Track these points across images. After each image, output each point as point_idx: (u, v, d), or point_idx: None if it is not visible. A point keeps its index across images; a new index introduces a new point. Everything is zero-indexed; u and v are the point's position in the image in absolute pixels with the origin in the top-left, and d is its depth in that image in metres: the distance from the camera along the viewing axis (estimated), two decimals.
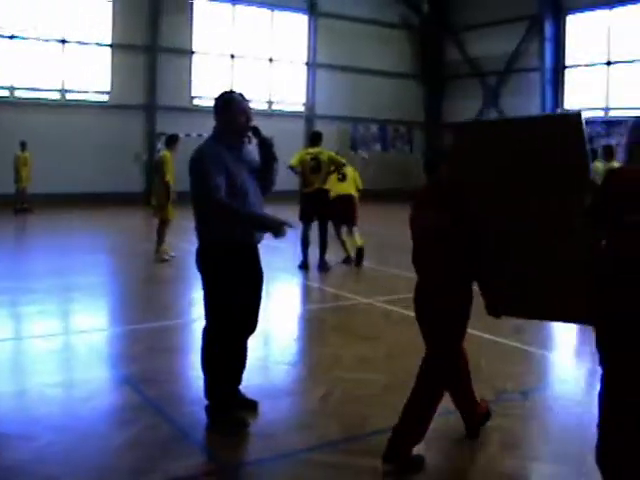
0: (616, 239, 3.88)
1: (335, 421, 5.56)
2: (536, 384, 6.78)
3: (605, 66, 28.50)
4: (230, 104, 5.41)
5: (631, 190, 3.80)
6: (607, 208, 3.89)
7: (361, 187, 13.88)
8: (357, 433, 5.36)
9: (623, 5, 27.64)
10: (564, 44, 30.01)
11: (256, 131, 5.60)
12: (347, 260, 13.57)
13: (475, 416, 5.31)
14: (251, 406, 5.76)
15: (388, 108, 32.74)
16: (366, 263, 13.46)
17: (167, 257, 13.33)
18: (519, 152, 4.49)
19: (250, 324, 5.61)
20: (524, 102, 30.24)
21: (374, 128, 33.56)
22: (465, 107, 32.40)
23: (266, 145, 5.64)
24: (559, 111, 29.51)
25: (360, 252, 13.45)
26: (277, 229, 5.23)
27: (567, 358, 8.06)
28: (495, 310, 5.09)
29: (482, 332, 8.32)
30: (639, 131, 4.25)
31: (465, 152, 4.86)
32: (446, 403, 5.14)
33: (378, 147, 33.70)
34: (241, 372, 5.74)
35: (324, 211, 12.79)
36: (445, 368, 4.98)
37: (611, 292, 3.85)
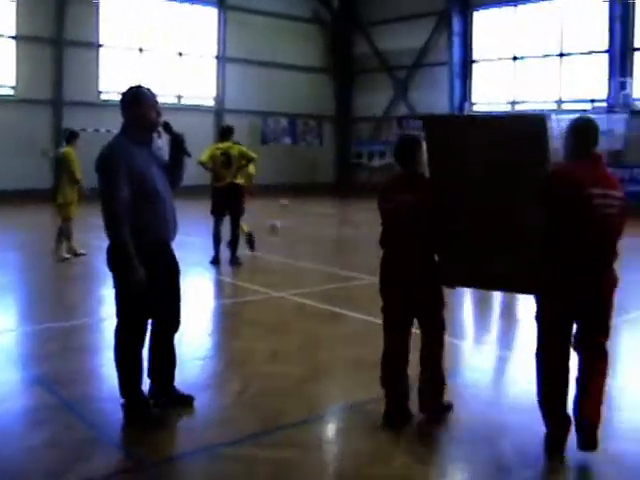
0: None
1: (252, 415, 5.57)
2: (450, 371, 6.90)
3: (511, 61, 29.17)
4: (139, 99, 5.31)
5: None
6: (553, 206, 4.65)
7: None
8: (274, 426, 5.38)
9: (527, 3, 28.33)
10: (471, 39, 30.65)
11: (167, 126, 5.54)
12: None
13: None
14: (188, 401, 5.74)
15: (299, 102, 32.84)
16: (277, 257, 13.52)
17: (67, 256, 13.04)
18: (487, 147, 5.15)
19: (172, 321, 5.58)
20: (433, 95, 30.76)
21: (284, 122, 33.57)
22: (375, 101, 32.80)
23: (178, 141, 5.59)
24: (467, 104, 30.16)
25: (250, 237, 13.85)
26: (132, 283, 5.10)
27: (475, 346, 8.23)
28: (451, 281, 5.74)
29: None
30: (574, 127, 5.21)
31: (437, 143, 5.41)
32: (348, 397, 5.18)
33: (288, 141, 33.72)
34: (171, 369, 5.71)
35: (236, 205, 12.75)
36: (442, 328, 5.67)
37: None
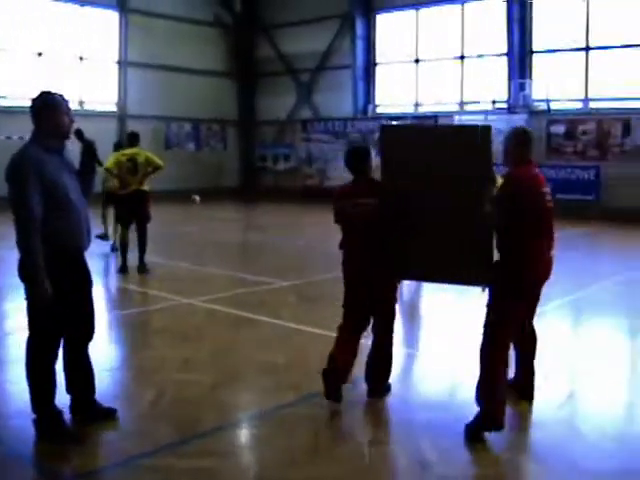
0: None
1: (167, 424, 5.47)
2: (363, 373, 6.93)
3: (414, 63, 29.58)
4: (50, 105, 5.16)
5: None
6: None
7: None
8: (190, 434, 5.30)
9: (429, 6, 28.79)
10: (374, 42, 30.90)
11: (79, 134, 5.41)
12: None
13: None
14: (110, 414, 5.59)
15: (202, 106, 32.48)
16: (185, 263, 13.39)
17: None
18: (437, 153, 5.83)
19: (86, 331, 5.43)
20: (337, 98, 30.93)
21: (188, 127, 33.18)
22: (279, 104, 32.72)
23: (89, 149, 5.46)
24: (371, 107, 30.46)
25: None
26: (37, 296, 4.96)
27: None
28: (402, 275, 6.42)
29: (309, 326, 8.50)
30: (520, 137, 5.84)
31: (392, 150, 6.09)
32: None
33: (192, 146, 33.33)
34: (89, 382, 5.54)
35: (142, 212, 12.54)
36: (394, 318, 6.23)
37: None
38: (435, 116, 28.35)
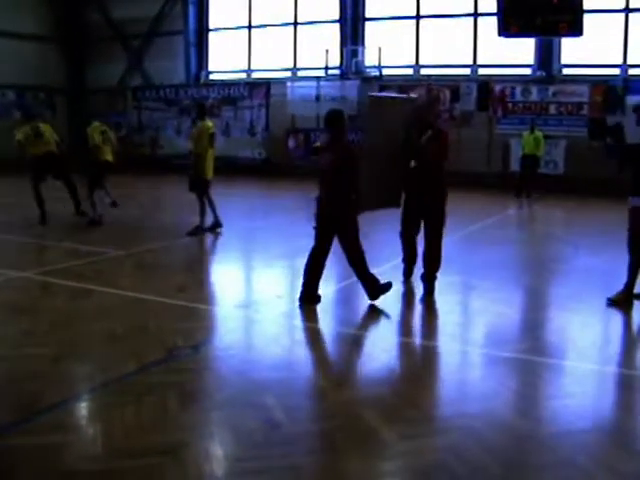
0: None
1: (9, 401, 5.29)
2: (205, 337, 6.97)
3: (247, 30, 29.42)
4: None
5: None
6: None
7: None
8: (35, 410, 5.12)
9: None
10: (207, 8, 30.45)
11: None
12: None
13: (375, 285, 8.26)
14: None
15: (27, 73, 30.91)
16: (18, 237, 12.87)
17: None
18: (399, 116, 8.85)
19: None
20: (169, 65, 30.35)
21: (12, 95, 31.62)
22: (109, 71, 31.67)
23: None
24: (204, 74, 30.13)
25: None
26: None
27: (229, 310, 8.30)
28: (361, 209, 8.26)
29: (148, 294, 8.43)
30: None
31: (375, 114, 8.86)
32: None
33: (18, 115, 31.85)
34: None
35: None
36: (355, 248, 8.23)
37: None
38: (268, 82, 28.40)
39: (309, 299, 8.16)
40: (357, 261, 8.22)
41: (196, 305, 8.13)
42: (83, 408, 5.41)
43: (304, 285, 8.21)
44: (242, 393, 5.47)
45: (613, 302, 8.42)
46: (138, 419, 4.98)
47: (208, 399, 5.45)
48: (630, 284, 8.50)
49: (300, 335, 7.39)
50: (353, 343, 7.16)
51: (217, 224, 13.26)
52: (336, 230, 8.16)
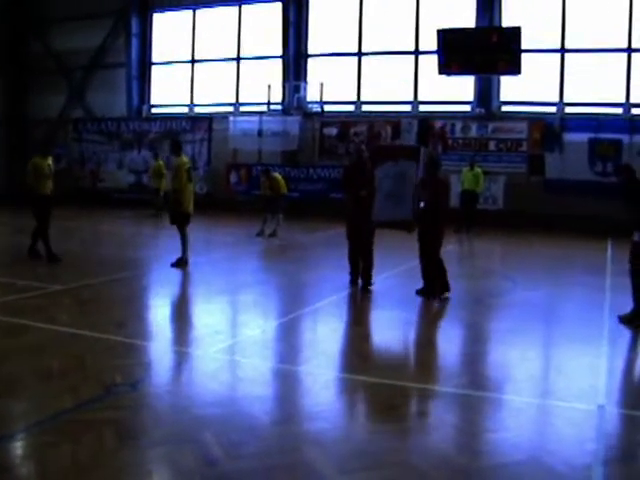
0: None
1: None
2: (143, 374, 6.88)
3: (190, 64, 29.49)
4: None
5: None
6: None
7: None
8: None
9: (206, 7, 28.84)
10: (151, 41, 30.46)
11: None
12: None
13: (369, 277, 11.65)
14: None
15: None
16: None
17: None
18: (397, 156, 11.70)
19: None
20: (111, 97, 30.23)
21: None
22: (51, 102, 31.40)
23: None
24: (146, 107, 30.03)
25: None
26: None
27: (167, 346, 8.23)
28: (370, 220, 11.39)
29: (86, 330, 8.31)
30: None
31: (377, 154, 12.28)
32: None
33: None
34: None
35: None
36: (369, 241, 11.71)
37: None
38: (210, 117, 28.45)
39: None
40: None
41: (134, 341, 8.04)
42: (17, 448, 5.27)
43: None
44: (181, 430, 5.42)
45: (623, 319, 9.42)
46: (75, 458, 4.88)
47: (146, 436, 5.38)
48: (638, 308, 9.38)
49: (239, 371, 7.35)
50: (293, 379, 7.14)
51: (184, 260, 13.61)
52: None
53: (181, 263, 13.38)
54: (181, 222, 13.58)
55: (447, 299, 10.89)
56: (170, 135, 28.01)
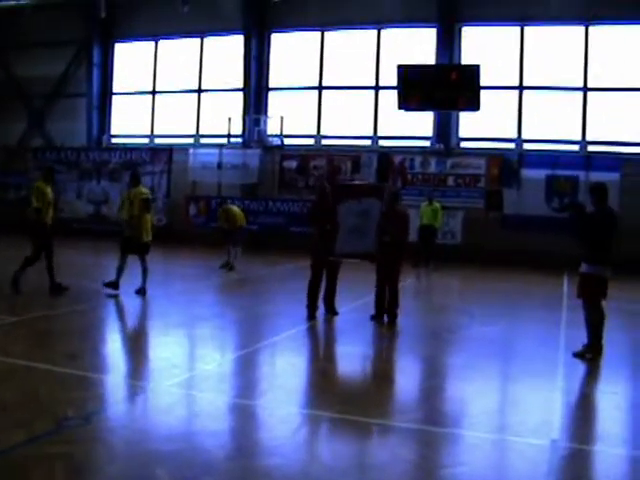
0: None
1: None
2: (97, 407, 6.79)
3: (151, 95, 29.48)
4: None
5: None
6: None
7: None
8: None
9: (168, 38, 28.97)
10: (112, 71, 30.40)
11: None
12: None
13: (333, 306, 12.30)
14: None
15: None
16: None
17: None
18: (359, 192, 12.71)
19: None
20: (71, 126, 30.05)
21: None
22: (9, 129, 31.09)
23: None
24: (106, 137, 29.88)
25: None
26: None
27: (122, 379, 8.15)
28: (333, 252, 11.95)
29: (39, 362, 8.19)
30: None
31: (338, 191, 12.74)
32: None
33: None
34: None
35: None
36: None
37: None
38: (170, 148, 28.41)
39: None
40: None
41: (88, 374, 7.94)
42: None
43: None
44: (134, 465, 5.35)
45: (578, 355, 9.55)
46: None
47: (99, 472, 5.30)
48: (593, 338, 9.56)
49: (195, 405, 7.29)
50: (249, 414, 7.10)
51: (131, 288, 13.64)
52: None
53: (112, 284, 13.46)
54: (141, 252, 13.62)
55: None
56: (130, 165, 27.92)
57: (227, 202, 20.65)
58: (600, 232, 9.56)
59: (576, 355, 9.53)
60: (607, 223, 9.64)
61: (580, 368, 9.28)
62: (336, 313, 12.23)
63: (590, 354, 9.50)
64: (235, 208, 20.00)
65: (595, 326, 9.55)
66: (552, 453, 6.02)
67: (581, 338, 9.72)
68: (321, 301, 12.24)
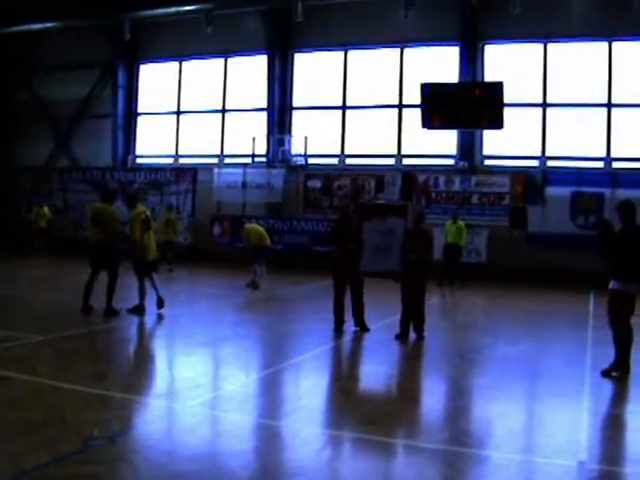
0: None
1: None
2: (122, 428, 6.80)
3: (175, 115, 29.68)
4: None
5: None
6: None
7: None
8: None
9: (192, 59, 29.18)
10: (137, 92, 30.65)
11: None
12: None
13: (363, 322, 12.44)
14: None
15: None
16: None
17: None
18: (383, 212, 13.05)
19: None
20: (96, 147, 30.30)
21: None
22: (36, 150, 31.39)
23: None
24: (131, 158, 30.07)
25: None
26: None
27: (146, 400, 8.17)
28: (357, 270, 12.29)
29: (66, 383, 8.23)
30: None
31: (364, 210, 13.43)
32: None
33: None
34: None
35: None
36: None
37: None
38: (194, 168, 28.54)
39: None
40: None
41: (114, 394, 7.96)
42: None
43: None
44: None
45: (605, 373, 9.49)
46: None
47: None
48: (620, 356, 9.48)
49: (219, 425, 7.30)
50: (273, 434, 7.09)
51: (160, 303, 13.81)
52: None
53: (139, 310, 13.55)
54: (141, 271, 13.75)
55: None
56: (155, 185, 28.07)
57: (248, 221, 20.66)
58: (629, 249, 9.49)
59: (603, 373, 9.45)
60: (636, 240, 9.57)
61: (607, 387, 9.20)
62: (367, 329, 12.38)
63: (618, 372, 9.42)
64: (254, 226, 19.95)
65: (623, 344, 9.47)
66: (579, 475, 5.96)
67: (608, 357, 9.63)
68: (351, 316, 12.46)
